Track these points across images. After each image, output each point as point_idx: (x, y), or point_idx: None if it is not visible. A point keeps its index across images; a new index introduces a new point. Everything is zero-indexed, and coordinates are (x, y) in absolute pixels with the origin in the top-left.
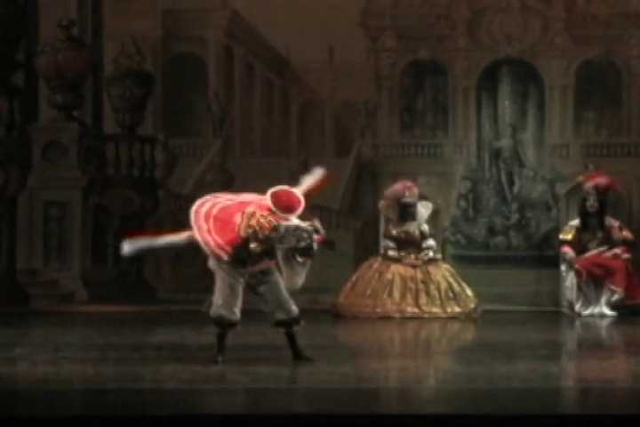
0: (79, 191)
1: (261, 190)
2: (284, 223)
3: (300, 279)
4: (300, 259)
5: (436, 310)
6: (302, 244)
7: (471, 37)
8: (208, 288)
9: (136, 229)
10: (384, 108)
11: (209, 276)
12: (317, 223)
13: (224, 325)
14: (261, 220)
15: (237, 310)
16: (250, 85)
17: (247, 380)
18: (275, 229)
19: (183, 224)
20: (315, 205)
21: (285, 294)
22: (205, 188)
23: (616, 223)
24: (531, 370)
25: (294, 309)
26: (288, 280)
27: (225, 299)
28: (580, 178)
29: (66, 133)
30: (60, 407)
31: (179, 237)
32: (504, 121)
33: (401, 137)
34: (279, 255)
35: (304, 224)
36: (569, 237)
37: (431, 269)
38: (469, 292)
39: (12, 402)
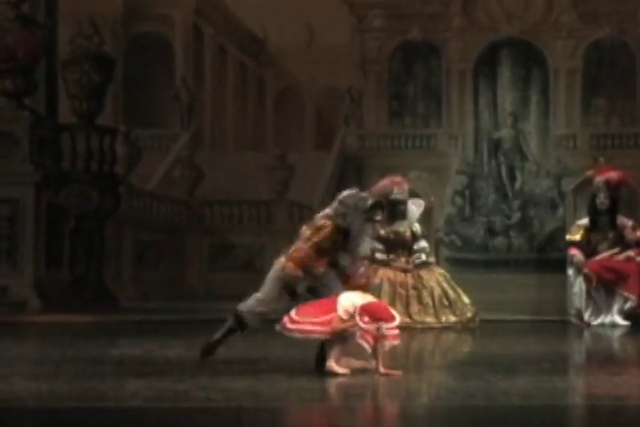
0: (32, 187)
1: (234, 188)
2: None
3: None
4: (378, 217)
5: (429, 319)
6: (368, 202)
7: (467, 16)
8: (175, 295)
9: None
10: (370, 94)
11: (176, 282)
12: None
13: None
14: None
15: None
16: (221, 70)
17: (220, 397)
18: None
19: (144, 223)
20: (292, 202)
21: None
22: (172, 184)
23: (629, 222)
24: (534, 386)
25: None
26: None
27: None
28: (589, 172)
29: (16, 123)
30: None
31: None
32: (504, 109)
33: (389, 127)
34: (355, 230)
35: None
36: (577, 237)
37: (424, 273)
38: (466, 299)
39: None
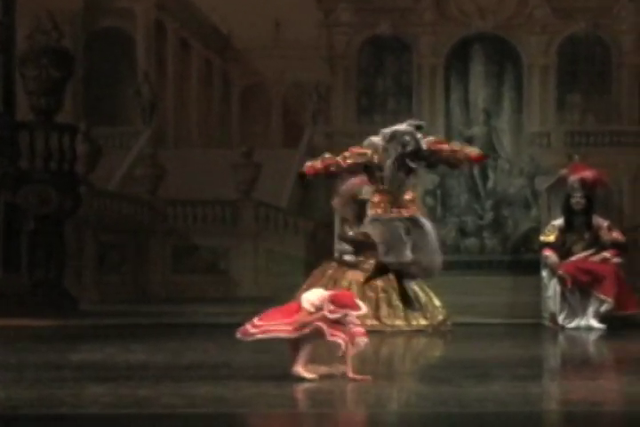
0: None
1: (198, 186)
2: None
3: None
4: (412, 164)
5: (399, 322)
6: (409, 148)
7: (439, 10)
8: (137, 299)
9: None
10: (339, 90)
11: (138, 284)
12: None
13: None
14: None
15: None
16: (185, 66)
17: (183, 403)
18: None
19: (105, 224)
20: (259, 202)
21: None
22: (134, 183)
23: (605, 223)
24: (508, 392)
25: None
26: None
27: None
28: (564, 171)
29: None
30: None
31: None
32: (476, 106)
33: (358, 124)
34: (387, 170)
35: (401, 127)
36: (551, 238)
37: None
38: (437, 302)
39: None
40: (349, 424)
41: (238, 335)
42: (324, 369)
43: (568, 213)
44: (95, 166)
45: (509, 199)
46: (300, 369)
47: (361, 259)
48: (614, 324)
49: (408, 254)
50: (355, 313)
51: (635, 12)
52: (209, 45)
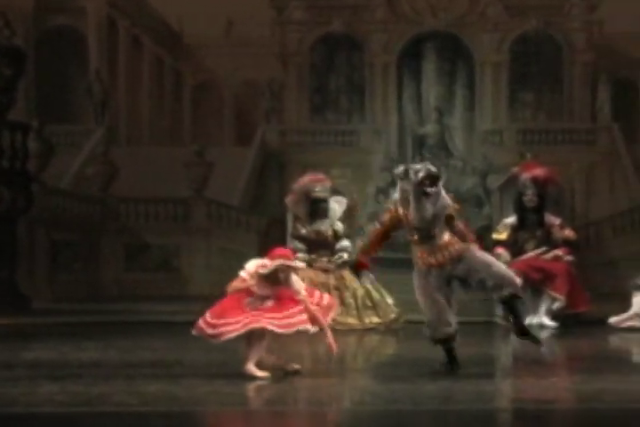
0: None
1: (150, 184)
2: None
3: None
4: (430, 190)
5: (351, 320)
6: (421, 174)
7: (391, 8)
8: (90, 297)
9: None
10: (291, 88)
11: (91, 283)
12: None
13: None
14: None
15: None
16: (137, 64)
17: (135, 402)
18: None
19: (58, 223)
20: (210, 200)
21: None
22: (86, 182)
23: (557, 221)
24: (460, 389)
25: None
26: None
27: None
28: (516, 169)
29: None
30: None
31: None
32: (429, 104)
33: (311, 122)
34: (412, 210)
35: (412, 165)
36: (503, 236)
37: (346, 274)
38: (390, 300)
39: None
40: (302, 422)
41: (194, 332)
42: (276, 365)
43: (520, 211)
44: (47, 165)
45: (462, 197)
46: (251, 367)
47: (313, 257)
48: (566, 322)
49: (447, 330)
50: (290, 263)
51: (586, 10)
52: (161, 43)
